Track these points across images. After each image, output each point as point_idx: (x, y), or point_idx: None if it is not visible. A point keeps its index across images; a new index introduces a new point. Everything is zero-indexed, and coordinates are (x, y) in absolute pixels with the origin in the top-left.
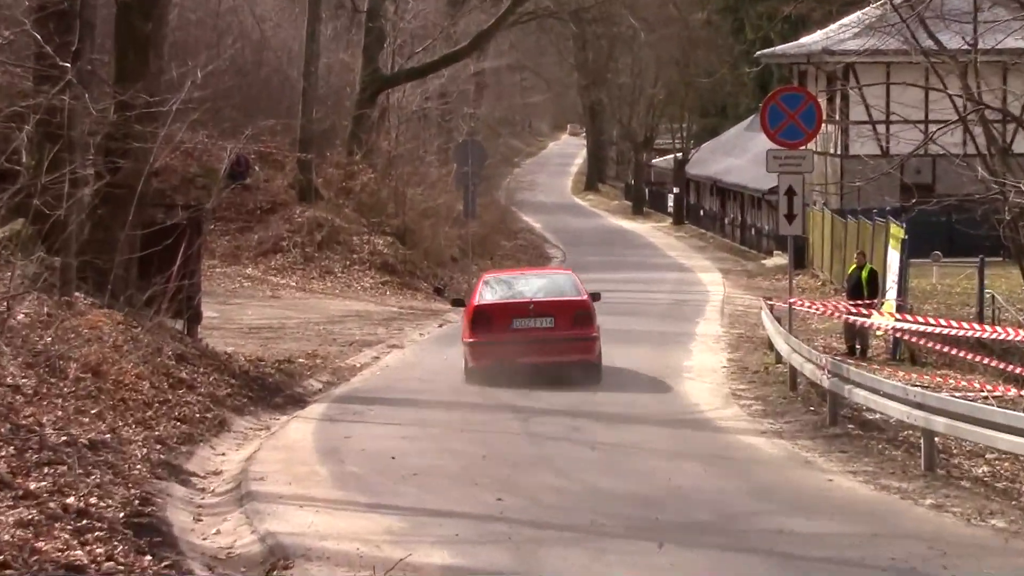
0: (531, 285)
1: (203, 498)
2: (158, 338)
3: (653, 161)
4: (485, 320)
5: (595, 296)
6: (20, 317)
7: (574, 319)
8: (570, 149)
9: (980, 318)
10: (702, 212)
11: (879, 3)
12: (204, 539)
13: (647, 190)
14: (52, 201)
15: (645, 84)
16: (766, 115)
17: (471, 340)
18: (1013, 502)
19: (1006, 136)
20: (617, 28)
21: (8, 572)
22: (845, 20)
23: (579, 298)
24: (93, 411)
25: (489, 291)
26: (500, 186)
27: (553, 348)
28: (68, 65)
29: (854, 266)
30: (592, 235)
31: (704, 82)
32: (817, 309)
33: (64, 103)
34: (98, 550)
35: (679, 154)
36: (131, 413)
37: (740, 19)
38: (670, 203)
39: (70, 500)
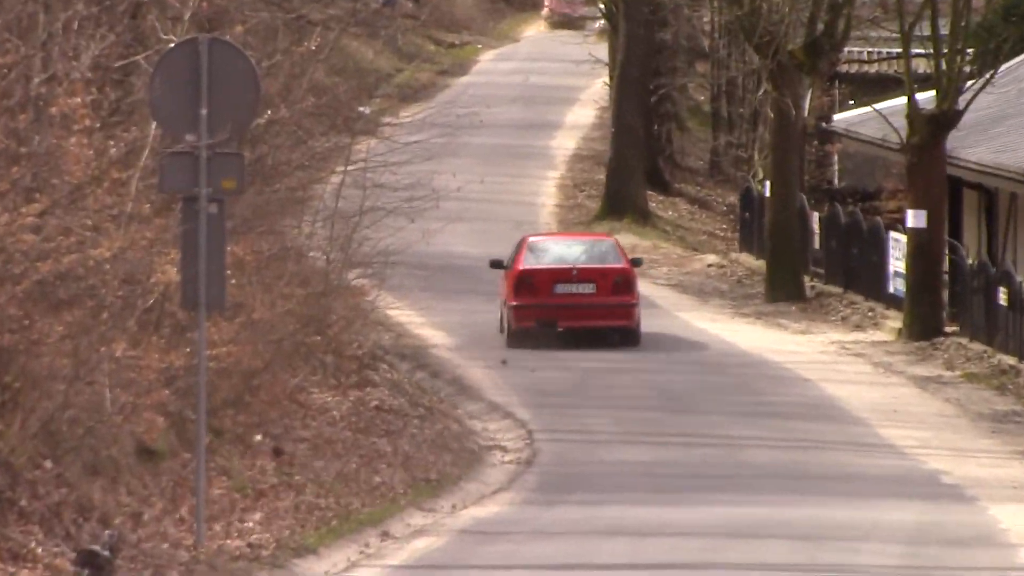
0: (573, 250)
1: None
2: None
3: (836, 119)
4: (528, 284)
5: (636, 262)
6: None
7: (615, 285)
8: (555, 76)
9: None
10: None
11: None
12: None
13: (817, 211)
14: None
15: None
16: None
17: (514, 303)
18: None
19: None
20: None
21: None
22: None
23: (620, 265)
24: None
25: (532, 255)
26: (314, 201)
27: (594, 313)
28: None
29: None
30: (645, 402)
31: None
32: None
33: None
34: None
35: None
36: None
37: None
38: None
39: None
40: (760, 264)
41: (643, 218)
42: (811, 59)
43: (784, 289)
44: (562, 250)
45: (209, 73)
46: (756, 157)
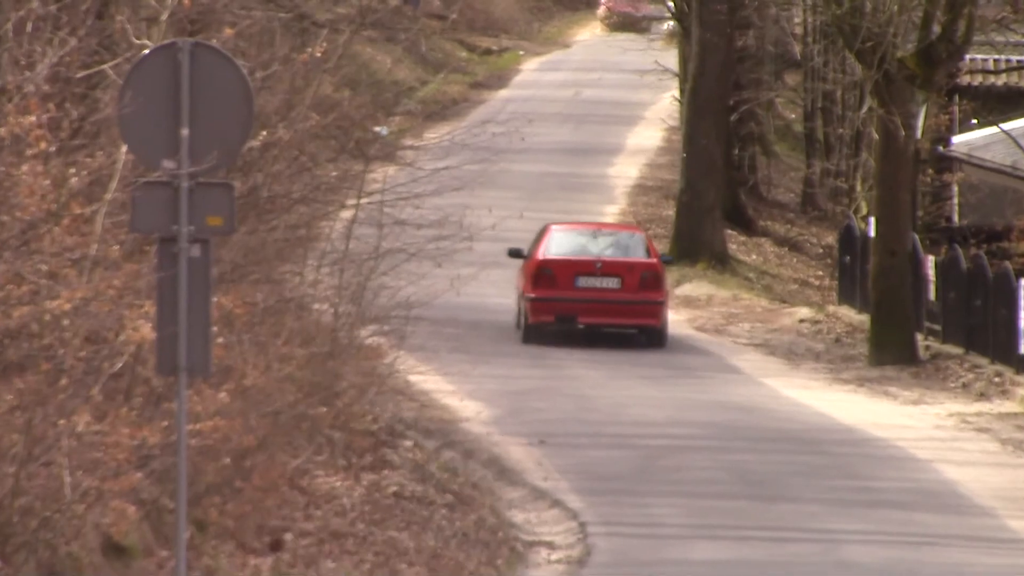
0: (599, 242)
1: None
2: None
3: (956, 142)
4: (548, 275)
5: (666, 260)
6: None
7: (642, 281)
8: (613, 90)
9: None
10: None
11: None
12: None
13: (933, 254)
14: None
15: None
16: None
17: (532, 295)
18: None
19: None
20: None
21: None
22: None
23: (649, 260)
24: None
25: (555, 244)
26: (320, 241)
27: (618, 310)
28: None
29: None
30: (722, 488)
31: None
32: None
33: None
34: None
35: None
36: None
37: None
38: None
39: None
40: (863, 319)
41: (721, 263)
42: (925, 69)
43: (892, 350)
44: (586, 241)
45: (191, 85)
46: (858, 189)
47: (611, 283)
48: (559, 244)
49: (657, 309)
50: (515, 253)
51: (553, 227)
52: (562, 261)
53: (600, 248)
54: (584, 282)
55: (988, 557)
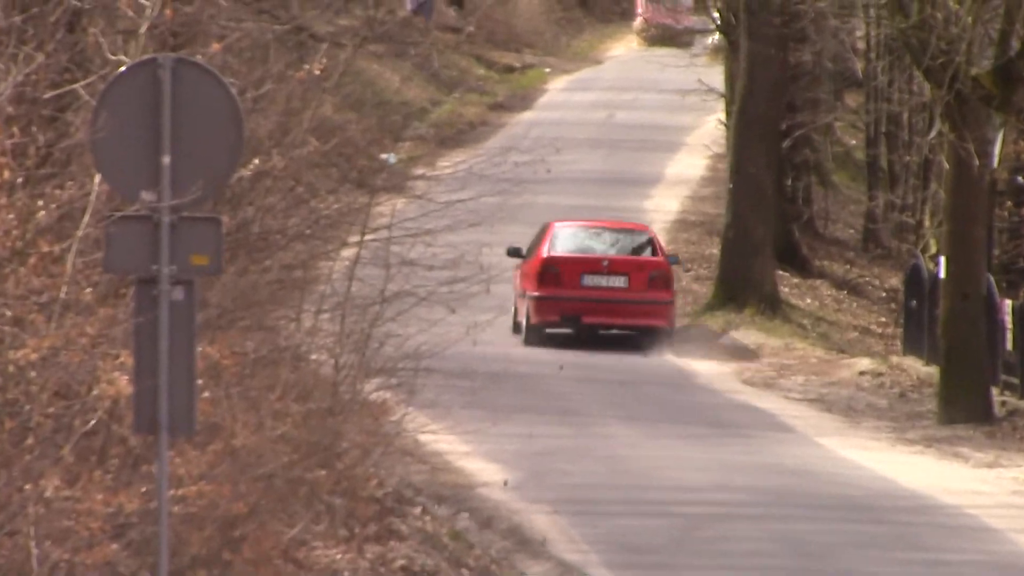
0: (605, 239)
1: None
2: None
3: None
4: (553, 273)
5: (673, 260)
6: None
7: (650, 280)
8: (651, 112)
9: None
10: None
11: None
12: None
13: (1010, 298)
14: None
15: None
16: None
17: (536, 294)
18: None
19: None
20: None
21: None
22: None
23: (657, 259)
24: None
25: (559, 242)
26: (319, 284)
27: (625, 310)
28: None
29: None
30: (773, 560)
31: None
32: None
33: None
34: None
35: None
36: None
37: None
38: None
39: None
40: (931, 372)
41: (772, 308)
42: (1002, 89)
43: (964, 406)
44: (592, 239)
45: (174, 107)
46: (927, 224)
47: (618, 282)
48: (564, 242)
49: (666, 309)
50: (514, 252)
51: (556, 224)
52: (568, 259)
53: (606, 246)
54: (590, 281)
55: None
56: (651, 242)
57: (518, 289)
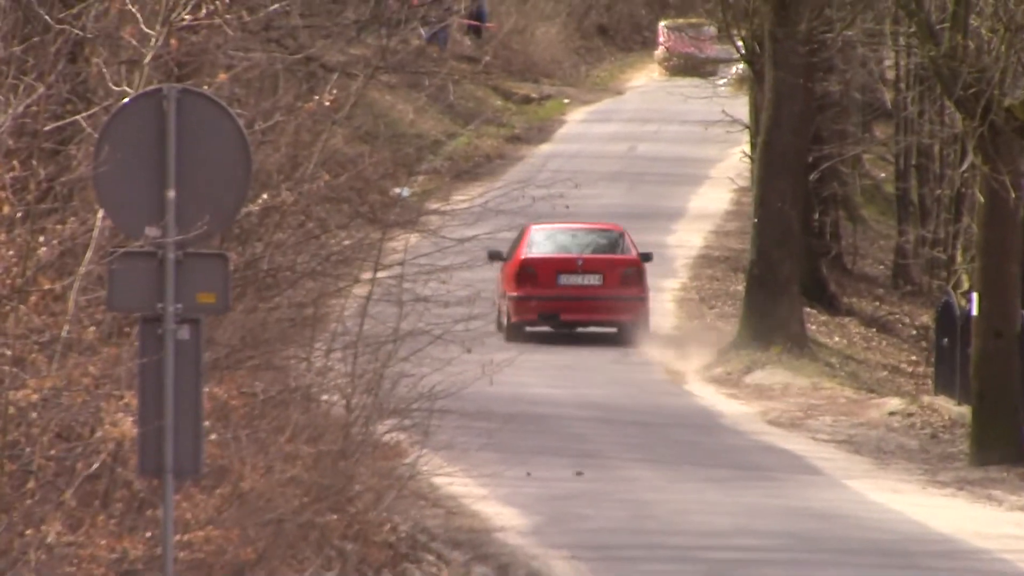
0: (579, 240)
1: None
2: None
3: None
4: (530, 274)
5: (646, 257)
6: None
7: (623, 278)
8: (673, 144)
9: None
10: None
11: None
12: None
13: None
14: None
15: None
16: None
17: (515, 294)
18: None
19: None
20: None
21: None
22: None
23: (630, 256)
24: None
25: (536, 243)
26: (330, 322)
27: (600, 306)
28: None
29: None
30: None
31: None
32: None
33: None
34: None
35: None
36: None
37: None
38: None
39: None
40: (963, 412)
41: (799, 346)
42: None
43: (997, 447)
44: (567, 239)
45: (179, 139)
46: (959, 259)
47: (593, 280)
48: (540, 243)
49: (639, 305)
50: (495, 255)
51: (533, 227)
52: (543, 259)
53: (581, 246)
54: (566, 280)
55: None
56: (624, 240)
57: (500, 290)
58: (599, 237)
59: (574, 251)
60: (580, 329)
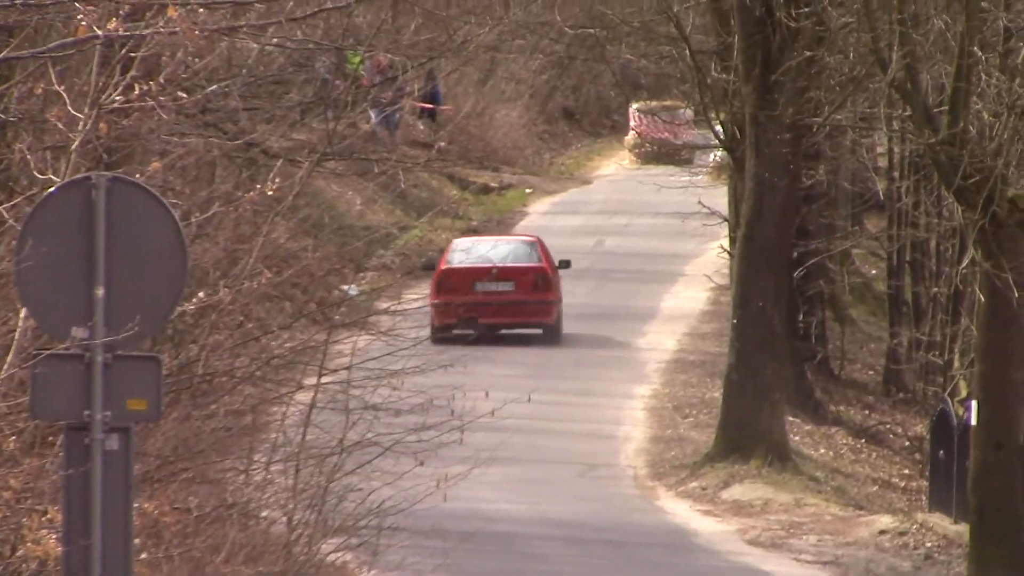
0: (497, 251)
1: None
2: None
3: None
4: (450, 283)
5: (564, 264)
6: None
7: (534, 284)
8: (645, 239)
9: None
10: None
11: None
12: None
13: None
14: None
15: None
16: None
17: (436, 300)
18: None
19: None
20: None
21: None
22: None
23: (539, 264)
24: None
25: (456, 255)
26: (271, 432)
27: (514, 310)
28: None
29: None
30: None
31: None
32: None
33: None
34: None
35: None
36: None
37: None
38: None
39: None
40: (960, 530)
41: (781, 459)
42: None
43: (999, 569)
44: (485, 250)
45: (109, 232)
46: (957, 364)
47: (506, 286)
48: (460, 255)
49: (550, 308)
50: (429, 267)
51: (456, 241)
52: (461, 269)
53: (498, 257)
54: (482, 287)
55: None
56: (537, 250)
57: (429, 296)
58: (514, 248)
59: (492, 261)
60: (503, 331)
